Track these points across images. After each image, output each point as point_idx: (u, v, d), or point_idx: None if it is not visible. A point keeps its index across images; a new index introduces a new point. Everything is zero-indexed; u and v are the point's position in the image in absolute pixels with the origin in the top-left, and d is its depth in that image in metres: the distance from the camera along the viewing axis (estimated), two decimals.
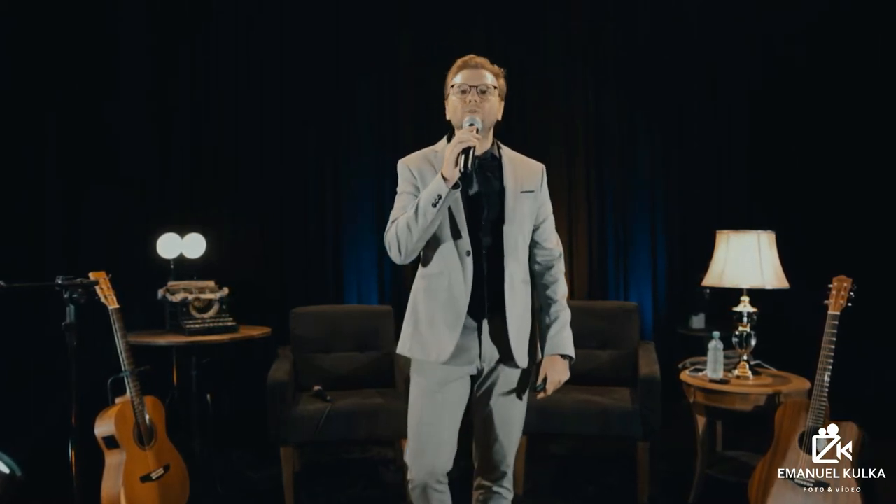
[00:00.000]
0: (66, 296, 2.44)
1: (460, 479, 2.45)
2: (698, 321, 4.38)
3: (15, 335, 3.73)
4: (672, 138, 4.77)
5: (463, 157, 1.90)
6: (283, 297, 4.54)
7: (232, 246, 4.54)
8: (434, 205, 1.92)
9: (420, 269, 2.15)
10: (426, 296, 2.10)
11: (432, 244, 2.05)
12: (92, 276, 2.93)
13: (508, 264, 2.07)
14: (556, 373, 2.14)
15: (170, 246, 3.87)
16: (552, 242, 2.21)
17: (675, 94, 4.75)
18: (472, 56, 2.13)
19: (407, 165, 2.13)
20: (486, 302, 2.06)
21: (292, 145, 4.72)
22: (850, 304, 2.79)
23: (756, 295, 3.29)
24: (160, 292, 3.67)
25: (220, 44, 4.64)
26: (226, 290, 3.76)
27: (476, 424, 2.22)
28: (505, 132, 4.72)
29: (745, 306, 3.25)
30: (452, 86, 2.10)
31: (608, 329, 3.74)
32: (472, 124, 2.00)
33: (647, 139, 4.80)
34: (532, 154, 4.96)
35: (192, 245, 3.94)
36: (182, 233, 3.92)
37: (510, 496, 2.27)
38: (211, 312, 3.68)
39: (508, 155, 2.20)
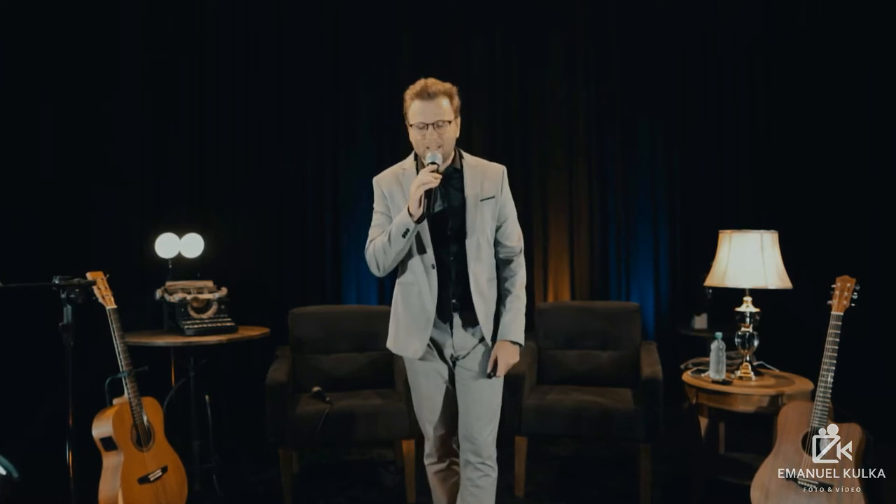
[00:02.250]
0: (63, 296, 2.42)
1: None
2: (701, 321, 4.36)
3: (13, 335, 3.70)
4: (674, 138, 4.75)
5: (426, 200, 2.14)
6: (282, 298, 4.52)
7: (230, 246, 4.52)
8: (404, 235, 2.20)
9: (397, 278, 2.41)
10: (402, 301, 2.38)
11: (404, 258, 2.32)
12: (90, 275, 2.91)
13: (472, 267, 2.29)
14: (504, 355, 2.34)
15: (168, 246, 3.85)
16: (513, 240, 2.40)
17: (677, 92, 4.73)
18: (424, 84, 2.22)
19: (379, 185, 2.37)
20: (454, 302, 2.31)
21: (292, 145, 4.71)
22: (853, 305, 2.77)
23: (759, 295, 3.26)
24: (158, 292, 3.64)
25: (220, 42, 4.62)
26: (224, 291, 3.74)
27: (458, 403, 2.42)
28: (505, 132, 4.78)
29: (747, 306, 3.23)
30: (412, 125, 2.24)
31: (610, 329, 3.73)
32: (433, 162, 2.18)
33: (649, 139, 4.78)
34: (533, 154, 4.97)
35: (191, 245, 3.92)
36: (180, 232, 3.90)
37: (492, 473, 2.39)
38: (209, 313, 3.65)
39: (470, 164, 2.36)
